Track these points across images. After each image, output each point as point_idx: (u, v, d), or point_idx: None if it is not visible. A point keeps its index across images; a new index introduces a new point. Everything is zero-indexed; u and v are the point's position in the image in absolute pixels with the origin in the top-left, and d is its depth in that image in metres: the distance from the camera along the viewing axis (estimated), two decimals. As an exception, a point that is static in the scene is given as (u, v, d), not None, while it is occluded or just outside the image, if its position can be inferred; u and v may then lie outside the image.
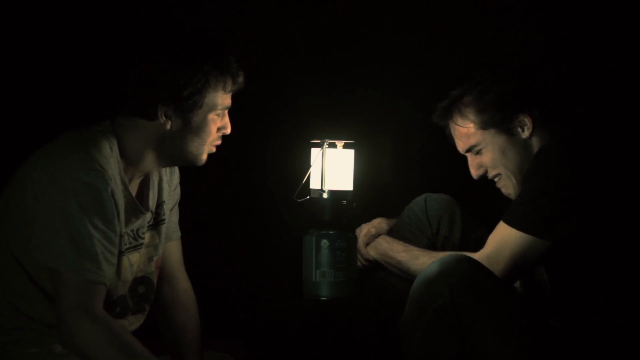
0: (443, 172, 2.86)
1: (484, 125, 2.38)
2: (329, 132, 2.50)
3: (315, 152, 2.48)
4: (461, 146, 2.44)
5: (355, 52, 2.97)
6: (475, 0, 2.96)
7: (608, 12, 2.92)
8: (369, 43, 2.98)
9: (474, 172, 2.44)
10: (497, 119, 2.37)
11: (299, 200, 2.46)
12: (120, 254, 2.07)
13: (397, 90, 2.96)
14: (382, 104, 2.96)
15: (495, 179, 2.43)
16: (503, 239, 2.27)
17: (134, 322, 2.17)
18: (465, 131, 2.41)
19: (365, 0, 2.99)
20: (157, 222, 2.21)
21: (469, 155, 2.44)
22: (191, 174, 2.32)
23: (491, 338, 2.15)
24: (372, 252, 2.53)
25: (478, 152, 2.41)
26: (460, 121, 2.41)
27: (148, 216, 2.17)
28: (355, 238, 2.46)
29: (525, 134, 2.37)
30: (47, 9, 2.86)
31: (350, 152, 2.48)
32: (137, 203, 2.11)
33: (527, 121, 2.36)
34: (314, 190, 2.47)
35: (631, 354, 2.20)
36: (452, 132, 2.45)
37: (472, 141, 2.41)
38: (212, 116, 2.10)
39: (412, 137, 2.99)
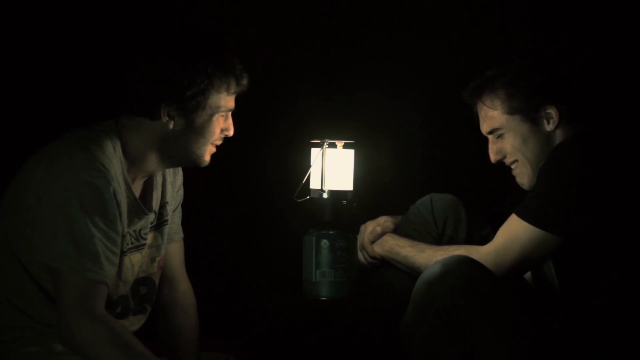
0: (443, 172, 2.87)
1: (511, 110, 2.37)
2: (329, 132, 2.50)
3: (315, 152, 2.48)
4: (485, 127, 2.43)
5: (355, 52, 2.98)
6: (475, 2, 2.96)
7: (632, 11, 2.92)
8: (369, 43, 2.98)
9: (493, 157, 2.43)
10: (525, 106, 2.36)
11: (299, 200, 2.46)
12: (122, 254, 2.07)
13: (397, 90, 2.97)
14: (382, 104, 2.96)
15: (512, 166, 2.43)
16: (513, 232, 2.26)
17: (135, 322, 2.17)
18: (492, 113, 2.40)
19: (366, 0, 2.98)
20: (160, 223, 2.21)
21: (490, 137, 2.43)
22: (191, 174, 2.32)
23: (492, 340, 2.15)
24: (377, 249, 2.53)
25: (500, 136, 2.40)
26: (488, 102, 2.40)
27: (151, 217, 2.17)
28: (355, 238, 2.46)
29: (550, 127, 2.36)
30: (50, 9, 2.86)
31: (350, 152, 2.48)
32: (140, 203, 2.11)
33: (554, 114, 2.35)
34: (314, 190, 2.47)
35: (634, 356, 2.20)
36: (479, 111, 2.44)
37: (496, 124, 2.40)
38: (215, 117, 2.10)
39: (412, 137, 2.99)
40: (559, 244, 2.24)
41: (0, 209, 2.04)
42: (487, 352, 2.16)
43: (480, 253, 2.27)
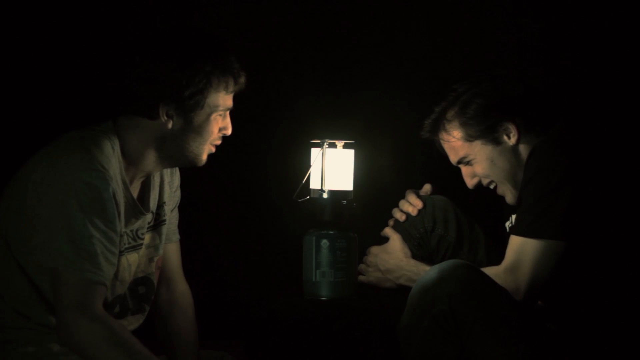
0: (443, 172, 2.86)
1: (469, 138, 2.41)
2: (329, 132, 2.50)
3: (315, 152, 2.48)
4: (452, 159, 2.49)
5: (355, 52, 2.97)
6: (475, 2, 2.96)
7: (596, 14, 2.92)
8: (369, 43, 2.97)
9: (469, 182, 2.48)
10: (481, 130, 2.39)
11: (299, 200, 2.46)
12: (119, 253, 2.07)
13: (397, 90, 2.96)
14: (382, 104, 2.96)
15: (491, 187, 2.47)
16: (519, 251, 2.25)
17: (133, 322, 2.17)
18: (453, 145, 2.44)
19: (365, 0, 2.98)
20: (157, 223, 2.21)
21: (461, 166, 2.47)
22: (191, 174, 2.32)
23: (490, 345, 2.15)
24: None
25: (469, 163, 2.44)
26: (446, 136, 2.45)
27: (149, 217, 2.17)
28: (355, 238, 2.46)
29: (512, 141, 2.39)
30: (48, 8, 2.86)
31: (350, 152, 2.48)
32: (138, 204, 2.11)
33: (512, 128, 2.38)
34: (314, 190, 2.47)
35: (631, 358, 2.19)
36: (442, 145, 2.48)
37: (461, 153, 2.44)
38: (213, 116, 2.10)
39: (412, 137, 2.99)
40: (565, 248, 2.23)
41: (0, 209, 2.04)
42: (484, 356, 2.15)
43: (492, 274, 2.26)
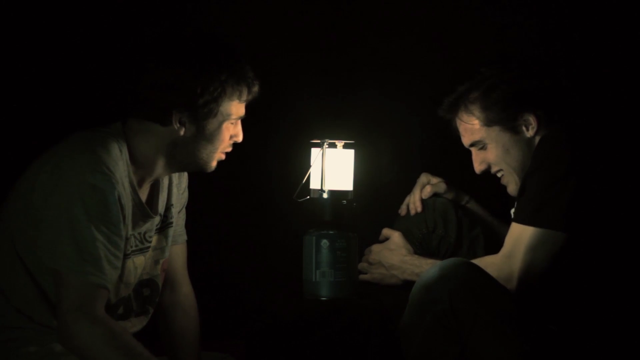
0: (443, 172, 2.86)
1: (488, 122, 2.38)
2: (329, 132, 2.50)
3: (315, 152, 2.48)
4: (466, 141, 2.45)
5: (355, 53, 2.97)
6: (476, 1, 2.96)
7: (611, 11, 2.92)
8: (369, 43, 2.98)
9: (477, 167, 2.45)
10: (502, 117, 2.37)
11: (299, 200, 2.46)
12: (126, 256, 2.07)
13: (396, 90, 2.96)
14: (382, 104, 2.96)
15: (498, 175, 2.44)
16: (518, 238, 2.25)
17: (136, 324, 2.17)
18: (470, 127, 2.41)
19: (366, 0, 2.98)
20: (164, 226, 2.21)
21: (473, 149, 2.45)
22: (191, 174, 2.32)
23: (490, 343, 2.15)
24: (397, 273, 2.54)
25: (482, 148, 2.42)
26: (465, 117, 2.41)
27: (156, 220, 2.17)
28: (355, 238, 2.46)
29: (530, 133, 2.37)
30: (63, 11, 2.85)
31: (350, 152, 2.48)
32: (146, 207, 2.11)
33: (532, 120, 2.36)
34: (314, 190, 2.48)
35: (631, 357, 2.19)
36: (458, 126, 2.45)
37: (477, 137, 2.41)
38: (226, 124, 2.10)
39: (412, 137, 2.99)
40: (564, 240, 2.23)
41: (7, 208, 2.04)
42: (485, 354, 2.15)
43: (488, 262, 2.26)
